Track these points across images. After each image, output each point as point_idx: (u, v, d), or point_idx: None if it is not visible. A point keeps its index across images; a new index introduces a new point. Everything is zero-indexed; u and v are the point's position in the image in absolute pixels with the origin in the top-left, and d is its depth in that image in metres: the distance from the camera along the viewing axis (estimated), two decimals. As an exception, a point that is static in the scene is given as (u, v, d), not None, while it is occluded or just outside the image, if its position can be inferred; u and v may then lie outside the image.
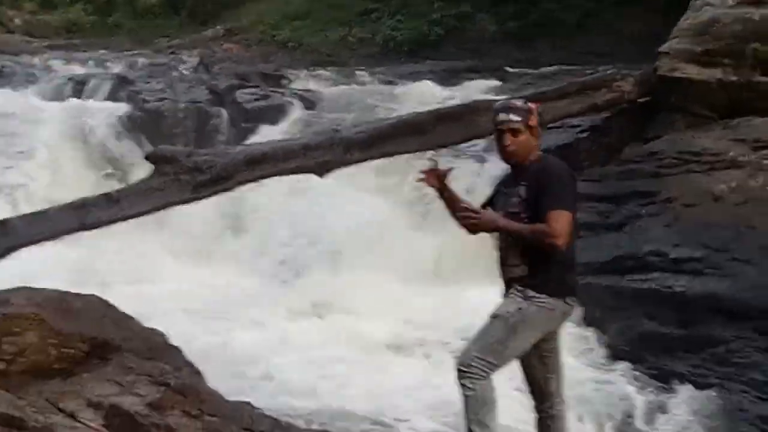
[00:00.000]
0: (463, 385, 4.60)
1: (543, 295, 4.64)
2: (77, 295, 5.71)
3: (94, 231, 7.53)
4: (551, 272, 4.67)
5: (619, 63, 11.37)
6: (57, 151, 12.55)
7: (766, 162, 7.91)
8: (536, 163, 4.81)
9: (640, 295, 7.43)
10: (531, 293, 4.64)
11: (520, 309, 4.63)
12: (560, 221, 4.56)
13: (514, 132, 4.77)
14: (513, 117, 4.78)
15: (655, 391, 6.77)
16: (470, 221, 4.76)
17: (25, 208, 9.54)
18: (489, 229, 4.78)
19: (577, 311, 7.04)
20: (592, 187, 8.39)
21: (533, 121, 4.84)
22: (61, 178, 12.10)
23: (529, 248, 4.67)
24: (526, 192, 4.69)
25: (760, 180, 7.71)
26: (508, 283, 4.79)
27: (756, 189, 7.62)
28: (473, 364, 4.58)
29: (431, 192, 5.02)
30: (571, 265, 4.82)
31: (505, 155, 4.84)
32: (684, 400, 6.55)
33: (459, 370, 4.61)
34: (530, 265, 4.67)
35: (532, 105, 4.92)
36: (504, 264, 4.81)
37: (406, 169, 9.42)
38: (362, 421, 6.42)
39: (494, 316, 4.69)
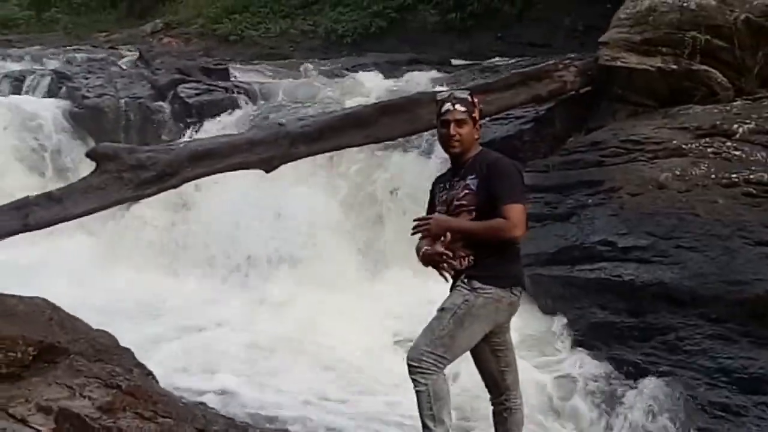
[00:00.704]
0: (414, 381, 4.59)
1: (489, 287, 4.66)
2: (20, 298, 5.62)
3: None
4: (497, 263, 4.69)
5: (556, 54, 11.45)
6: (-4, 149, 12.34)
7: (707, 149, 7.97)
8: (480, 157, 4.83)
9: (590, 284, 7.45)
10: (477, 285, 4.66)
11: (466, 301, 4.64)
12: (517, 214, 4.61)
13: (459, 122, 4.79)
14: (459, 107, 4.81)
15: (609, 380, 6.82)
16: (422, 229, 4.76)
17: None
18: (442, 232, 4.72)
19: (530, 303, 7.15)
20: (538, 177, 8.43)
21: (476, 113, 4.87)
22: (-1, 177, 11.90)
23: (474, 241, 4.68)
24: (477, 185, 4.70)
25: (702, 167, 7.78)
26: (455, 275, 4.79)
27: (699, 176, 7.67)
28: (424, 358, 4.57)
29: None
30: (516, 255, 4.84)
31: (450, 145, 4.85)
32: (637, 388, 6.58)
33: (410, 366, 4.61)
34: (476, 257, 4.68)
35: (475, 98, 4.94)
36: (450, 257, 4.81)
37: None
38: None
39: (442, 309, 4.70)
